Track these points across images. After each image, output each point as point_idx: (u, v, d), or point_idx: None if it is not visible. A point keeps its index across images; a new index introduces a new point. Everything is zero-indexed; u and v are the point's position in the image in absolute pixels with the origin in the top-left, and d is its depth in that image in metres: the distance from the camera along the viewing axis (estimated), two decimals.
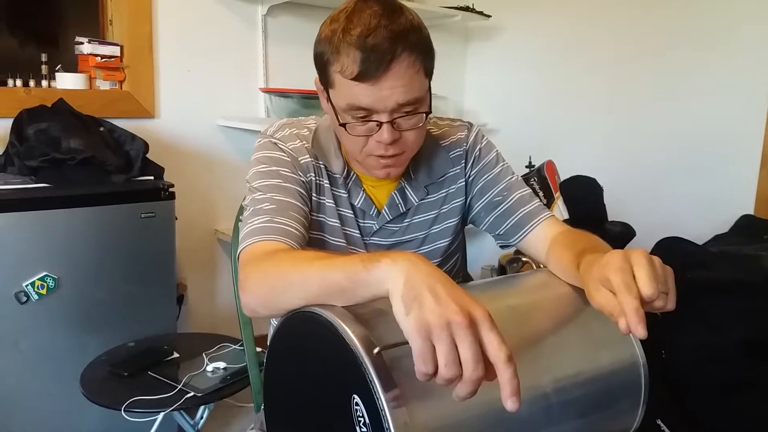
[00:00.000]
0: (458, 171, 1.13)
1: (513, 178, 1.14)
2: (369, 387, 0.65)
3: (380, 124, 0.93)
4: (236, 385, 1.59)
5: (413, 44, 0.90)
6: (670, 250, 1.78)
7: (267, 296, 0.82)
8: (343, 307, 0.73)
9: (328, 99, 0.97)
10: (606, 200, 2.20)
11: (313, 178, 1.05)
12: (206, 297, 2.53)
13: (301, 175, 1.03)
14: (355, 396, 0.69)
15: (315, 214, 1.05)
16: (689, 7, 2.43)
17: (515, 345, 0.77)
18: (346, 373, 0.69)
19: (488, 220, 1.13)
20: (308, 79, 2.85)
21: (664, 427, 1.55)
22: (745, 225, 2.17)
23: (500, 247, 1.18)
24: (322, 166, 1.05)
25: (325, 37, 0.92)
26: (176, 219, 1.97)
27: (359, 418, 0.69)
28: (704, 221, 2.34)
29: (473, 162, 1.13)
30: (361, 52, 0.88)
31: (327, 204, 1.06)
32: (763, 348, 1.57)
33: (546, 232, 1.07)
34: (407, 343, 0.64)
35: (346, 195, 1.06)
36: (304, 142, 1.05)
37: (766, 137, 2.28)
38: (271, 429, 0.93)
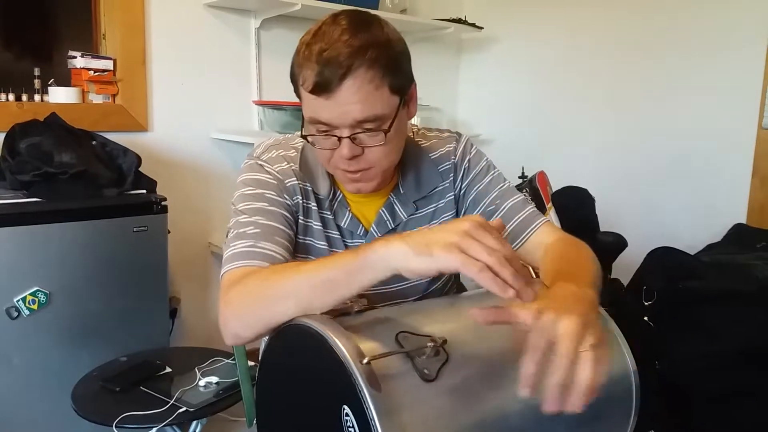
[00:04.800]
0: (447, 185, 1.11)
1: (505, 186, 1.13)
2: (358, 397, 0.65)
3: (340, 140, 0.92)
4: (229, 400, 1.59)
5: (373, 59, 0.89)
6: (662, 260, 1.79)
7: (253, 311, 0.82)
8: (332, 319, 0.74)
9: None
10: (598, 210, 2.21)
11: (300, 201, 1.03)
12: (200, 310, 2.52)
13: (287, 198, 1.02)
14: (345, 407, 0.69)
15: (302, 237, 1.04)
16: (680, 18, 2.45)
17: (506, 354, 0.79)
18: (336, 384, 0.69)
19: None
20: None
21: None
22: (738, 234, 2.18)
23: None
24: (309, 188, 1.04)
25: (296, 52, 0.94)
26: (169, 232, 1.96)
27: (349, 429, 0.69)
28: (697, 231, 2.35)
29: (463, 174, 1.12)
30: (318, 65, 0.88)
31: (314, 227, 1.05)
32: (757, 357, 1.57)
33: (541, 239, 1.07)
34: (397, 352, 0.69)
35: (332, 217, 1.05)
36: (291, 164, 1.05)
37: (758, 146, 2.29)
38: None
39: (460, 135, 1.16)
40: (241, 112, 2.55)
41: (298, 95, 0.96)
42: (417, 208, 1.09)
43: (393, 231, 1.08)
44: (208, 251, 2.52)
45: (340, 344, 0.69)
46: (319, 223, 1.05)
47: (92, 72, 2.21)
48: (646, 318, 1.69)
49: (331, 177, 1.05)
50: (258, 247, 0.93)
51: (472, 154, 1.14)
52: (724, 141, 2.37)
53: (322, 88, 0.88)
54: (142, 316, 1.92)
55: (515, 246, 1.09)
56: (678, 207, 2.51)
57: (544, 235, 1.07)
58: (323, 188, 1.04)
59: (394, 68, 0.92)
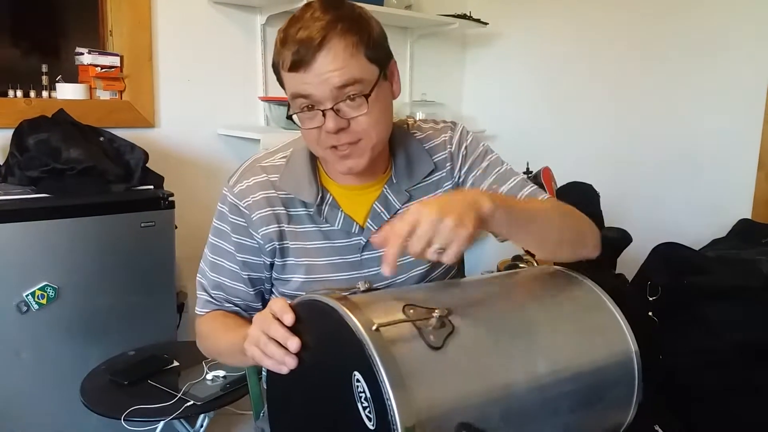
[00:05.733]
0: (445, 174, 1.12)
1: (503, 169, 1.13)
2: (369, 362, 0.67)
3: (324, 113, 0.94)
4: (236, 393, 1.60)
5: (345, 30, 0.93)
6: (667, 255, 1.79)
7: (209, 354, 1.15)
8: (337, 295, 0.78)
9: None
10: (603, 206, 2.21)
11: (282, 212, 1.06)
12: None
13: (253, 236, 1.06)
14: (356, 373, 0.70)
15: (293, 242, 1.06)
16: (687, 13, 2.45)
17: (509, 326, 0.84)
18: (346, 352, 0.71)
19: None
20: None
21: (660, 430, 1.55)
22: (743, 229, 2.18)
23: (501, 240, 1.17)
24: (293, 197, 1.06)
25: (275, 41, 0.98)
26: (176, 227, 1.97)
27: (360, 394, 0.70)
28: (702, 226, 2.35)
29: (461, 163, 1.12)
30: (294, 44, 0.92)
31: (307, 230, 1.06)
32: (761, 352, 1.58)
33: None
34: (405, 320, 0.73)
35: (324, 221, 1.06)
36: (271, 176, 1.06)
37: (763, 141, 2.29)
38: (274, 427, 0.95)
39: (455, 124, 1.16)
40: (247, 108, 2.56)
41: (281, 81, 0.99)
42: (411, 196, 1.08)
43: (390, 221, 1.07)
44: None
45: (350, 313, 0.71)
46: (311, 225, 1.06)
47: (99, 68, 2.22)
48: (650, 313, 1.70)
49: (318, 181, 1.06)
50: (215, 295, 1.12)
51: (469, 141, 1.14)
52: (729, 136, 2.37)
53: (299, 62, 0.92)
54: (149, 310, 1.93)
55: None
56: (683, 202, 2.50)
57: None
58: (309, 195, 1.04)
59: (366, 39, 0.95)
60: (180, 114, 2.39)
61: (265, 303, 1.14)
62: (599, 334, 0.91)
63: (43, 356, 1.76)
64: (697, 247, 1.96)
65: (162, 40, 2.32)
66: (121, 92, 2.29)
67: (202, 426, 1.73)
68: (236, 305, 1.12)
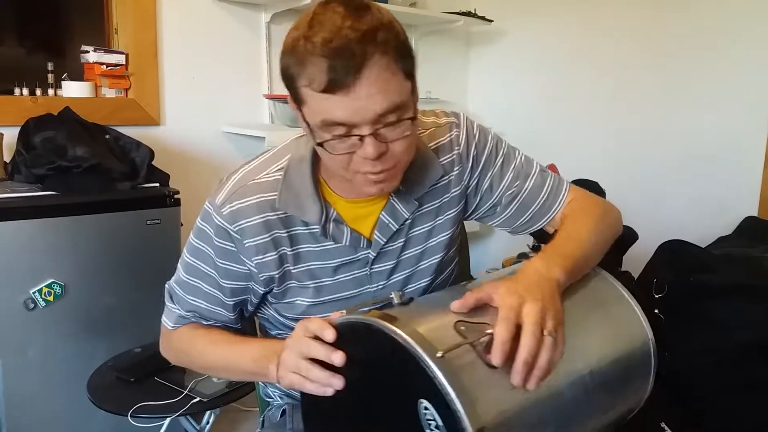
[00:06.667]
0: (453, 178, 1.03)
1: (518, 162, 1.07)
2: (439, 391, 0.67)
3: (362, 138, 0.81)
4: (241, 391, 1.60)
5: (384, 43, 0.79)
6: (673, 253, 1.78)
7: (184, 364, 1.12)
8: (390, 314, 0.75)
9: (303, 118, 0.86)
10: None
11: (283, 235, 0.95)
12: None
13: (245, 263, 0.96)
14: (423, 401, 0.70)
15: (295, 266, 0.97)
16: (691, 10, 2.44)
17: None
18: (407, 378, 0.71)
19: (505, 215, 1.08)
20: None
21: (668, 430, 1.55)
22: (750, 227, 2.17)
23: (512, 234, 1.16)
24: (293, 216, 0.95)
25: (288, 49, 0.81)
26: (182, 225, 1.98)
27: (429, 422, 0.70)
28: (708, 224, 2.34)
29: (472, 164, 1.04)
30: (326, 59, 0.77)
31: (311, 250, 0.97)
32: (767, 350, 1.57)
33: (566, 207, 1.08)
34: (465, 343, 0.72)
35: (330, 240, 0.97)
36: (267, 201, 0.94)
37: None
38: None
39: (458, 116, 1.06)
40: (252, 105, 2.56)
41: (298, 99, 0.83)
42: (420, 205, 1.01)
43: (399, 232, 1.01)
44: None
45: (412, 340, 0.70)
46: (315, 245, 0.97)
47: (105, 66, 2.22)
48: (656, 311, 1.69)
49: (321, 198, 0.95)
50: (189, 315, 1.04)
51: (477, 138, 1.05)
52: (735, 133, 2.36)
53: (337, 84, 0.77)
54: (155, 307, 1.90)
55: (542, 223, 1.09)
56: (689, 200, 2.50)
57: (568, 203, 1.08)
58: (312, 214, 0.94)
59: (403, 50, 0.82)
60: (185, 112, 2.39)
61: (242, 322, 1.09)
62: (622, 327, 0.94)
63: (50, 353, 1.77)
64: (703, 245, 1.95)
65: (167, 38, 2.32)
66: (126, 90, 2.30)
67: (207, 423, 1.73)
68: (212, 322, 1.04)
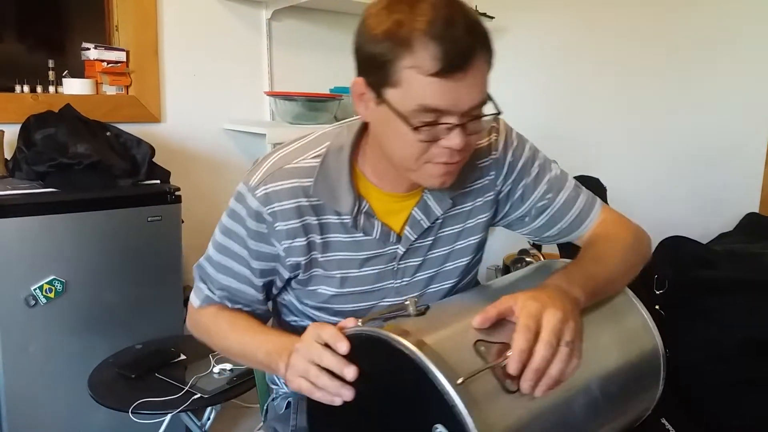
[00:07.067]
0: (487, 183, 1.03)
1: (553, 174, 1.05)
2: (456, 419, 0.66)
3: (452, 128, 0.81)
4: (242, 386, 1.61)
5: (485, 36, 0.81)
6: (674, 249, 1.78)
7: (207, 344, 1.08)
8: (405, 331, 0.74)
9: (381, 102, 0.84)
10: (609, 199, 2.20)
11: (314, 222, 0.95)
12: None
13: (274, 245, 0.96)
14: (438, 426, 0.69)
15: (322, 254, 0.97)
16: (692, 7, 2.43)
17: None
18: (423, 400, 0.70)
19: (534, 225, 1.08)
20: (313, 83, 2.85)
21: (669, 426, 1.55)
22: (751, 223, 2.17)
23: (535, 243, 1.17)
24: (325, 204, 0.95)
25: (386, 32, 0.79)
26: (183, 222, 1.98)
27: None
28: (709, 220, 2.34)
29: (507, 171, 1.03)
30: (440, 44, 0.76)
31: (340, 240, 0.97)
32: None
33: (598, 225, 1.07)
34: (486, 368, 0.72)
35: (360, 232, 0.97)
36: (302, 186, 0.94)
37: None
38: None
39: (498, 122, 1.04)
40: (253, 102, 2.56)
41: (391, 81, 0.80)
42: (454, 204, 1.01)
43: (429, 230, 1.01)
44: None
45: (432, 364, 0.69)
46: (345, 236, 0.97)
47: (105, 63, 2.22)
48: (657, 307, 1.69)
49: (355, 189, 0.95)
50: (219, 294, 1.04)
51: (515, 145, 1.04)
52: (737, 129, 2.35)
53: (449, 70, 0.77)
54: (156, 304, 1.94)
55: (571, 237, 1.08)
56: (690, 196, 2.49)
57: (600, 221, 1.07)
58: (345, 205, 0.94)
59: (492, 48, 0.83)
60: (186, 109, 2.39)
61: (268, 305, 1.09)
62: (632, 335, 0.94)
63: (51, 349, 1.77)
64: (704, 241, 1.95)
65: (168, 35, 2.32)
66: (127, 87, 2.30)
67: (209, 419, 1.74)
68: (240, 305, 1.04)
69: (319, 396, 0.78)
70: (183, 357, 1.74)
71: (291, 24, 2.59)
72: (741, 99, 2.33)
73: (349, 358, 0.77)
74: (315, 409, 0.87)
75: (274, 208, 0.93)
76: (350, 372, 0.75)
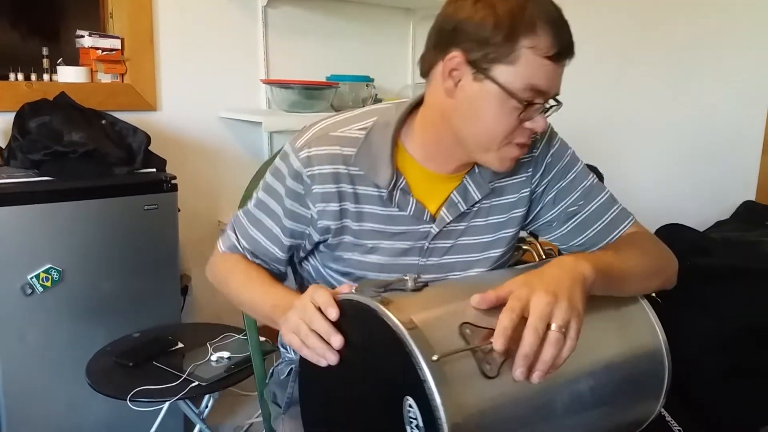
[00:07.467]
0: (524, 179, 1.04)
1: (588, 183, 1.06)
2: (426, 394, 0.67)
3: (540, 111, 0.90)
4: (240, 374, 1.61)
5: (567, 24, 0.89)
6: (671, 236, 1.78)
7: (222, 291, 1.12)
8: (387, 300, 0.75)
9: (484, 79, 0.87)
10: (607, 187, 2.20)
11: (349, 190, 0.98)
12: (210, 288, 2.50)
13: (309, 207, 0.99)
14: (409, 398, 0.70)
15: (355, 222, 1.00)
16: None
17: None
18: (398, 372, 0.71)
19: (562, 232, 1.08)
20: (310, 70, 2.83)
21: (665, 413, 1.55)
22: (747, 211, 2.18)
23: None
24: (364, 174, 0.98)
25: (510, 12, 0.85)
26: (179, 211, 1.98)
27: (411, 419, 0.71)
28: (706, 208, 2.35)
29: (543, 171, 1.05)
30: (557, 31, 0.85)
31: (375, 212, 1.00)
32: (765, 335, 1.58)
33: None
34: (465, 349, 0.72)
35: (395, 207, 0.99)
36: (343, 154, 0.97)
37: None
38: (306, 415, 0.96)
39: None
40: (249, 90, 2.55)
41: (507, 58, 0.85)
42: (493, 192, 1.03)
43: (465, 215, 1.02)
44: (218, 229, 2.53)
45: (410, 336, 0.69)
46: (380, 208, 1.00)
47: (100, 51, 2.21)
48: (653, 294, 1.70)
49: (394, 165, 0.97)
50: (244, 246, 1.08)
51: (556, 147, 1.06)
52: (734, 119, 2.35)
53: (561, 55, 0.87)
54: (153, 292, 1.94)
55: (599, 246, 1.06)
56: (687, 184, 2.50)
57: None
58: (383, 177, 0.97)
59: None
60: (182, 97, 2.38)
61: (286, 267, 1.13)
62: (633, 333, 0.93)
63: (49, 338, 1.77)
64: (701, 229, 1.95)
65: (163, 23, 2.31)
66: (122, 75, 2.28)
67: (207, 406, 1.74)
68: (260, 261, 1.08)
69: (306, 354, 0.82)
70: (180, 345, 1.74)
71: (287, 11, 2.57)
72: (739, 89, 2.32)
73: (339, 323, 0.80)
74: (305, 364, 0.89)
75: (313, 170, 0.97)
76: (336, 340, 0.79)
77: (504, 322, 0.72)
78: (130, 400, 1.48)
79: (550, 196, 1.06)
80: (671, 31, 2.48)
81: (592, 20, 2.74)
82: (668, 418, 1.57)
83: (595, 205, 1.06)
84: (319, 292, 0.82)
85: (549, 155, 1.05)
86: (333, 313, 0.80)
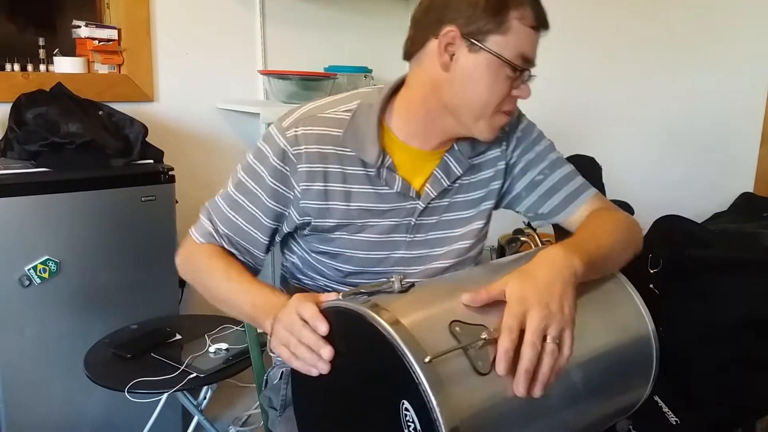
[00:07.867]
0: (498, 153, 1.12)
1: (555, 156, 1.14)
2: (422, 396, 0.67)
3: (526, 79, 0.98)
4: (238, 366, 1.61)
5: None
6: (669, 228, 1.78)
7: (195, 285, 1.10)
8: (382, 308, 0.75)
9: (480, 50, 0.94)
10: (605, 179, 2.20)
11: (336, 170, 1.01)
12: None
13: (293, 188, 1.01)
14: (405, 401, 0.70)
15: (342, 203, 1.03)
16: None
17: None
18: (394, 378, 0.71)
19: (529, 201, 1.14)
20: (307, 61, 2.81)
21: (662, 404, 1.56)
22: (745, 203, 2.17)
23: (531, 223, 1.20)
24: (352, 154, 1.01)
25: None
26: (177, 202, 1.97)
27: (408, 423, 0.71)
28: (704, 199, 2.34)
29: (515, 144, 1.13)
30: (536, 4, 0.96)
31: (364, 191, 1.03)
32: (762, 326, 1.58)
33: (588, 210, 1.11)
34: (456, 348, 0.72)
35: (382, 182, 1.03)
36: (330, 135, 1.01)
37: (767, 115, 2.27)
38: (297, 407, 0.96)
39: None
40: (247, 81, 2.54)
41: (501, 28, 0.93)
42: (471, 169, 1.09)
43: (447, 191, 1.08)
44: None
45: (401, 340, 0.69)
46: (368, 186, 1.03)
47: (97, 42, 2.19)
48: (651, 286, 1.70)
49: (380, 144, 1.01)
50: (223, 232, 1.06)
51: (525, 123, 1.15)
52: (732, 109, 2.35)
53: (541, 25, 0.96)
54: (151, 284, 1.94)
55: (560, 216, 1.12)
56: (685, 175, 2.49)
57: (590, 207, 1.11)
58: (371, 155, 1.00)
59: None
60: (179, 88, 2.37)
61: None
62: (618, 317, 0.94)
63: (46, 330, 1.77)
64: (699, 221, 1.95)
65: (160, 13, 2.29)
66: (119, 66, 2.27)
67: (205, 398, 1.75)
68: (238, 250, 1.07)
69: (297, 365, 0.83)
70: (178, 337, 1.74)
71: (285, 1, 2.56)
72: (736, 78, 2.32)
73: (328, 331, 0.80)
74: (297, 375, 0.89)
75: (300, 149, 1.00)
76: (326, 352, 0.79)
77: (505, 343, 0.74)
78: (128, 392, 1.49)
79: (521, 166, 1.13)
80: (666, 18, 2.47)
81: (586, 12, 2.73)
82: (665, 410, 1.57)
83: (559, 175, 1.12)
84: (305, 305, 0.82)
85: (519, 130, 1.13)
86: (322, 327, 0.80)
